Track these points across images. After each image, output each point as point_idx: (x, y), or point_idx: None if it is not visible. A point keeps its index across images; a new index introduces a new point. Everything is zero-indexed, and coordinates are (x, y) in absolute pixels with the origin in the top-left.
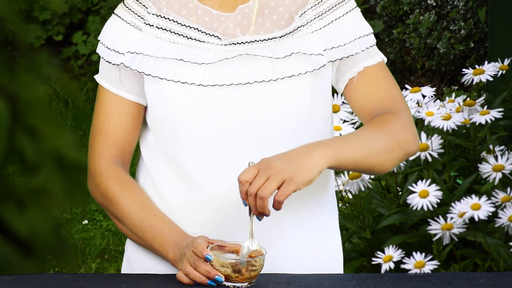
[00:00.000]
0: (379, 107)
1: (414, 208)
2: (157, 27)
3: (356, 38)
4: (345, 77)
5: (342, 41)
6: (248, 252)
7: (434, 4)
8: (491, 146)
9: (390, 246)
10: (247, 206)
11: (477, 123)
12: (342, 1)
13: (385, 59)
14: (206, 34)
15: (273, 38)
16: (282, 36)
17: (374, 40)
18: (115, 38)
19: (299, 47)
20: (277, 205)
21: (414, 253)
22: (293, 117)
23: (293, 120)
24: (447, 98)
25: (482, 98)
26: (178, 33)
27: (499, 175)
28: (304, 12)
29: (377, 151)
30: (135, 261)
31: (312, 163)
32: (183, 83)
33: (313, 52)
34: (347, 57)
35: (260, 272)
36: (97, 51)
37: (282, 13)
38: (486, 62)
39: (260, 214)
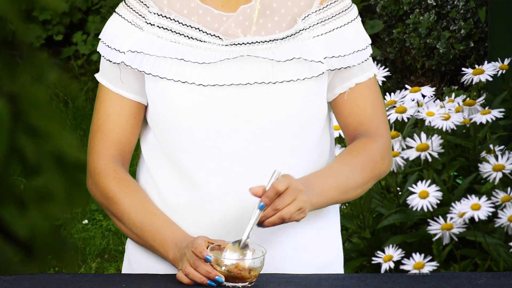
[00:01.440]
0: (363, 128)
1: (414, 209)
2: (158, 26)
3: (355, 51)
4: (336, 90)
5: (342, 52)
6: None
7: (434, 4)
8: (491, 146)
9: (390, 245)
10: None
11: (478, 123)
12: (345, 10)
13: (377, 72)
14: (207, 34)
15: (275, 40)
16: (283, 38)
17: (370, 51)
18: (116, 36)
19: (300, 52)
20: (278, 221)
21: (413, 254)
22: (294, 119)
23: (294, 122)
24: (447, 98)
25: (482, 98)
26: (179, 33)
27: (499, 174)
28: (308, 15)
29: (354, 187)
30: (135, 261)
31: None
32: (183, 82)
33: (313, 59)
34: (344, 68)
35: (260, 272)
36: (97, 50)
37: (284, 15)
38: (486, 62)
39: (262, 224)
